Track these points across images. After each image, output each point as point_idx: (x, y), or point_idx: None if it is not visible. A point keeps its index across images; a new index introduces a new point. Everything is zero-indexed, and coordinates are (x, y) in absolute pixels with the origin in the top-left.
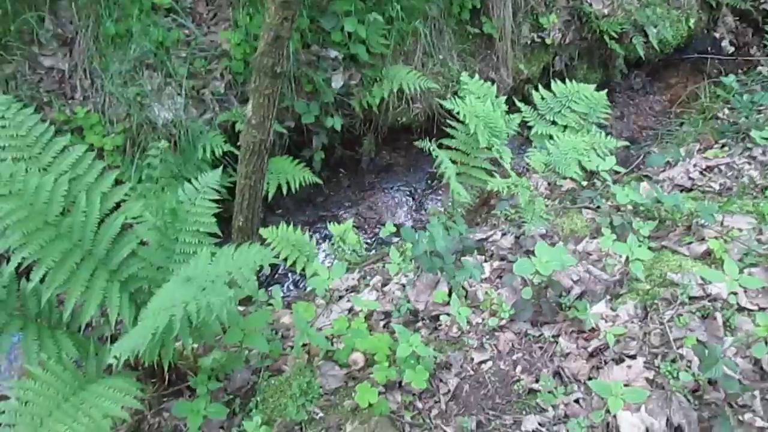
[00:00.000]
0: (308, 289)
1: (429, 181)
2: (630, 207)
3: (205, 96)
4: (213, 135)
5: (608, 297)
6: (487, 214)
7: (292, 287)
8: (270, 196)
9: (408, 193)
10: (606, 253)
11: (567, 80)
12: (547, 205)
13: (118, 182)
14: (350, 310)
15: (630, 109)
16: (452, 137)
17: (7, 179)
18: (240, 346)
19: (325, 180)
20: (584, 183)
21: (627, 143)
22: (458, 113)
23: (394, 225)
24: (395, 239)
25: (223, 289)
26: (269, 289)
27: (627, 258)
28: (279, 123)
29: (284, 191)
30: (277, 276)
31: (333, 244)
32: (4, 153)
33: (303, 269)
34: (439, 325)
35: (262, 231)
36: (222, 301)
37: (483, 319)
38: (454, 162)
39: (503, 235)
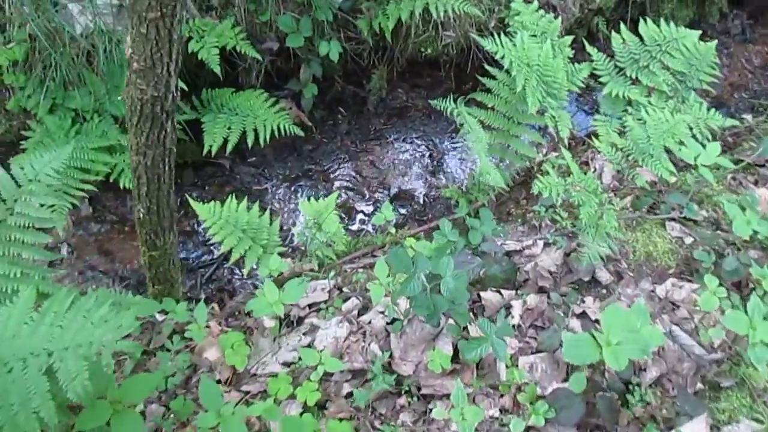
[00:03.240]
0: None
1: (454, 135)
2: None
3: None
4: None
5: (703, 388)
6: (527, 200)
7: (247, 280)
8: (229, 147)
9: (425, 148)
10: (703, 312)
11: (650, 16)
12: (613, 205)
13: None
14: (309, 345)
15: (722, 60)
16: (489, 91)
17: None
18: None
19: (317, 122)
20: (672, 178)
21: (736, 122)
22: (502, 58)
23: (392, 206)
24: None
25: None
26: (211, 281)
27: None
28: (255, 45)
29: (249, 143)
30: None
31: (303, 232)
32: None
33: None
34: (431, 412)
35: (198, 208)
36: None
37: (501, 412)
38: (487, 128)
39: (546, 246)
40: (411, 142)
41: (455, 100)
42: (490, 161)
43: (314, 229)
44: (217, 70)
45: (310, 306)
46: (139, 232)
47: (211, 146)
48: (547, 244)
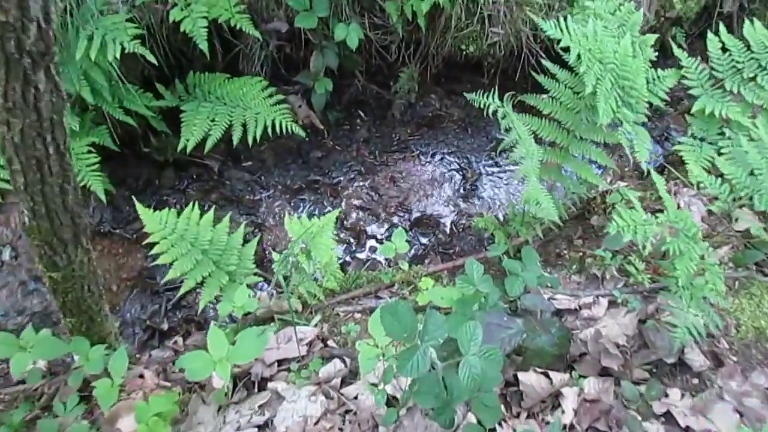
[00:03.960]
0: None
1: (493, 153)
2: None
3: None
4: (115, 21)
5: None
6: (583, 240)
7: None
8: (208, 144)
9: (457, 166)
10: None
11: (737, 31)
12: (706, 255)
13: None
14: (265, 425)
15: None
16: (547, 93)
17: None
18: None
19: (331, 125)
20: None
21: None
22: (567, 50)
23: (409, 234)
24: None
25: None
26: (179, 308)
27: None
28: (257, 23)
29: (235, 140)
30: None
31: (283, 259)
32: None
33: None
34: None
35: (144, 214)
36: None
37: None
38: (539, 142)
39: (612, 306)
40: (441, 158)
41: (501, 98)
42: (542, 186)
43: (300, 256)
44: (204, 46)
45: (279, 363)
46: (32, 245)
47: (187, 141)
48: (613, 304)
